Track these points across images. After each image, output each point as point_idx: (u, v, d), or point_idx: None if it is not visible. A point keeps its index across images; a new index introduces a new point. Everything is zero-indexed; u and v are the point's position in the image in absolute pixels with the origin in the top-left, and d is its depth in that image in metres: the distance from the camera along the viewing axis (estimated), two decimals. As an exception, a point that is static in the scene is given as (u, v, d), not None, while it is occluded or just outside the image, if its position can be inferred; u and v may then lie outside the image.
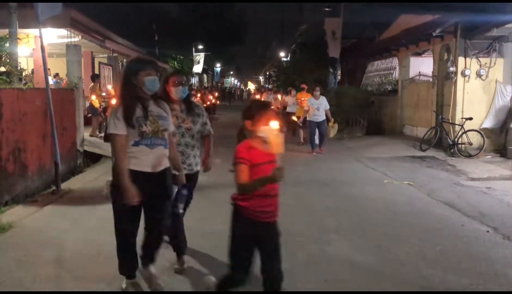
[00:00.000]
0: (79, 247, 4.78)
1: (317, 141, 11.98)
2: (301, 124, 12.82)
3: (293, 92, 15.52)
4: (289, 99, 15.62)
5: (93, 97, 11.24)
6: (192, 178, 4.15)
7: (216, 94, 30.65)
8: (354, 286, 3.94)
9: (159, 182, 3.52)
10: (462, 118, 11.33)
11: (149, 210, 3.58)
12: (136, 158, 3.40)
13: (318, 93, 11.82)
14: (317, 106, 11.66)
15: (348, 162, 10.54)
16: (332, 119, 12.09)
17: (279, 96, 18.49)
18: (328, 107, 11.83)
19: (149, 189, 3.42)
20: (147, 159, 3.41)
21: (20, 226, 5.41)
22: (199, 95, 19.12)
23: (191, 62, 34.96)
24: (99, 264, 4.32)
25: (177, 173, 3.77)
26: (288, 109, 15.25)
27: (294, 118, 13.17)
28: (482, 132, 11.07)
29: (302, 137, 13.46)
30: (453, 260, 4.52)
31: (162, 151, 3.48)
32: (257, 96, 25.60)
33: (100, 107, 12.33)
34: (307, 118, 11.92)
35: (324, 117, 11.69)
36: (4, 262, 4.36)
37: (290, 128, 15.53)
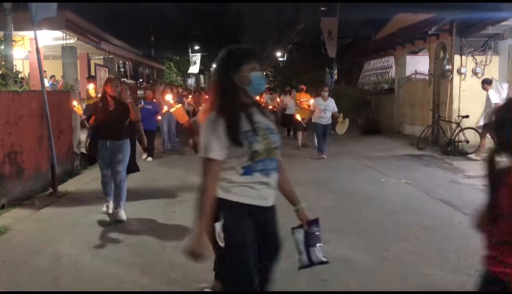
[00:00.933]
0: (76, 249, 4.77)
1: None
2: (304, 125, 12.25)
3: (293, 92, 14.55)
4: (288, 100, 14.86)
5: (75, 103, 8.45)
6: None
7: None
8: (352, 286, 3.94)
9: (272, 222, 2.58)
10: (458, 116, 11.36)
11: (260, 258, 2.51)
12: (251, 187, 2.39)
13: (326, 93, 10.87)
14: (324, 108, 10.72)
15: (345, 161, 10.55)
16: (341, 114, 11.04)
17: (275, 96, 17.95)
18: (336, 109, 10.90)
19: (264, 230, 2.51)
20: (263, 190, 2.42)
21: (17, 229, 5.40)
22: (190, 97, 17.00)
23: (188, 63, 34.92)
24: (96, 266, 4.30)
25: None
26: (288, 111, 14.64)
27: (298, 117, 12.38)
28: (479, 130, 11.10)
29: (301, 141, 12.78)
30: (451, 258, 4.52)
31: (275, 177, 2.51)
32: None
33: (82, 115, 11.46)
34: (312, 120, 11.04)
35: (330, 120, 10.83)
36: (1, 265, 4.34)
37: (288, 129, 15.21)
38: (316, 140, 11.37)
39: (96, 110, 5.79)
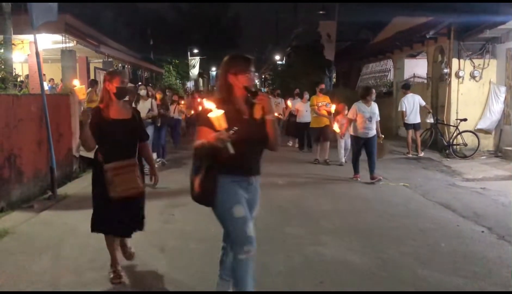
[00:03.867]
0: (76, 252, 4.78)
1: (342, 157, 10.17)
2: (342, 136, 9.76)
3: (306, 95, 12.12)
4: (300, 105, 12.27)
5: (76, 82, 6.88)
6: None
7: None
8: (350, 288, 3.95)
9: None
10: (456, 119, 11.40)
11: None
12: None
13: (373, 96, 8.37)
14: (369, 116, 8.20)
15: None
16: (382, 136, 8.69)
17: (282, 101, 15.08)
18: (379, 118, 8.50)
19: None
20: None
21: (16, 232, 5.41)
22: (182, 102, 15.73)
23: (187, 66, 34.98)
24: (96, 269, 4.32)
25: None
26: (301, 119, 12.12)
27: (336, 128, 9.77)
28: (477, 133, 11.14)
29: (325, 156, 10.53)
30: (448, 261, 4.55)
31: None
32: None
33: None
34: (352, 132, 8.55)
35: (375, 132, 8.36)
36: (1, 268, 4.36)
37: (300, 141, 13.01)
38: (339, 154, 10.15)
39: (97, 120, 3.86)
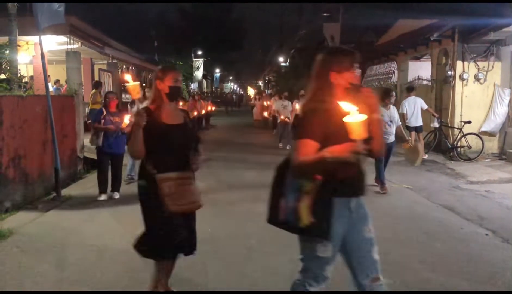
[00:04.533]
0: (80, 253, 4.79)
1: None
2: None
3: None
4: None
5: (128, 77, 6.59)
6: None
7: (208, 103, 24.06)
8: (353, 289, 3.94)
9: None
10: (461, 121, 11.37)
11: None
12: None
13: (393, 99, 7.85)
14: (388, 120, 7.61)
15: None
16: (410, 138, 8.17)
17: (289, 104, 14.14)
18: (400, 122, 8.03)
19: None
20: None
21: (21, 233, 5.43)
22: (181, 103, 14.97)
23: (190, 68, 35.07)
24: (100, 270, 4.33)
25: None
26: None
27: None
28: (481, 136, 11.11)
29: None
30: (453, 264, 4.54)
31: None
32: (257, 102, 25.23)
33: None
34: None
35: (394, 138, 7.89)
36: (5, 268, 4.38)
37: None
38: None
39: (148, 124, 3.21)
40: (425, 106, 11.28)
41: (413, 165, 8.29)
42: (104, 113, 6.99)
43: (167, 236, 3.34)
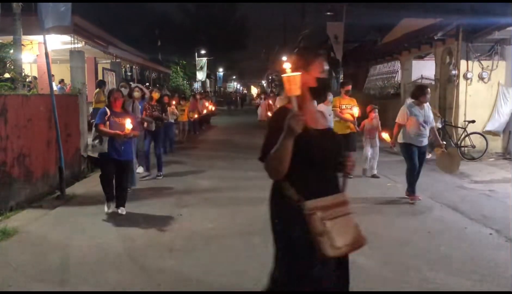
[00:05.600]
0: (84, 251, 4.81)
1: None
2: (393, 146, 7.64)
3: (330, 97, 8.63)
4: (323, 108, 9.87)
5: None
6: None
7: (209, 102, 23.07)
8: (356, 289, 3.94)
9: None
10: (464, 121, 11.35)
11: None
12: None
13: (428, 97, 7.00)
14: (423, 120, 6.83)
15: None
16: (444, 142, 7.73)
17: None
18: (434, 123, 7.23)
19: None
20: None
21: (25, 231, 5.45)
22: (174, 102, 13.49)
23: (194, 67, 35.11)
24: (104, 268, 4.34)
25: None
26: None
27: (386, 136, 7.71)
28: (485, 135, 11.08)
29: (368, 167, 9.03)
30: (456, 263, 4.53)
31: None
32: (260, 100, 25.07)
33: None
34: (402, 140, 7.07)
35: (427, 141, 7.19)
36: (10, 266, 4.40)
37: None
38: (364, 164, 8.89)
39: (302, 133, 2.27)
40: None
41: (451, 173, 7.44)
42: (108, 113, 6.06)
43: (308, 272, 2.41)
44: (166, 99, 10.38)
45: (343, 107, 8.77)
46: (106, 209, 6.21)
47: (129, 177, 6.64)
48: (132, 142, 6.52)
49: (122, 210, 6.19)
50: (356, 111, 8.75)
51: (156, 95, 9.25)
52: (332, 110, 8.63)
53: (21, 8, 8.01)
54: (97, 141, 6.05)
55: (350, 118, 8.71)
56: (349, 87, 9.13)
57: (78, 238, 5.23)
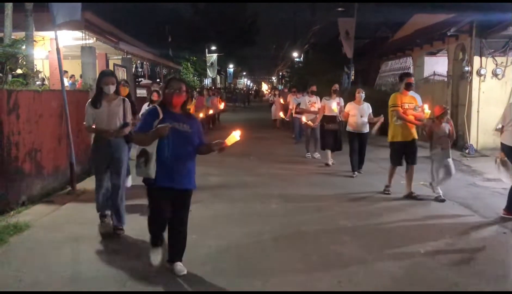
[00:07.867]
0: (95, 246, 4.83)
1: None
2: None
3: (360, 94, 8.80)
4: (353, 108, 8.93)
5: None
6: None
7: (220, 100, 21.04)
8: (367, 288, 3.91)
9: None
10: (477, 117, 11.21)
11: None
12: None
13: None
14: None
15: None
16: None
17: (318, 100, 11.05)
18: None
19: None
20: None
21: (37, 226, 5.49)
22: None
23: (204, 63, 35.11)
24: (115, 264, 4.35)
25: None
26: (354, 128, 8.94)
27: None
28: (498, 132, 10.94)
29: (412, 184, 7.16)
30: (469, 261, 4.47)
31: None
32: (273, 97, 24.64)
33: None
34: (507, 142, 6.06)
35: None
36: (21, 261, 4.43)
37: (351, 160, 9.01)
38: (433, 180, 6.93)
39: None
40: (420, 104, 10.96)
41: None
42: (161, 115, 3.93)
43: None
44: (155, 96, 8.25)
45: (406, 106, 6.95)
46: (152, 259, 4.12)
47: (187, 215, 4.20)
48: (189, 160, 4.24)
49: (180, 269, 4.04)
50: (426, 109, 6.97)
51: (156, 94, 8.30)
52: (392, 109, 7.01)
53: (32, 4, 8.06)
54: (142, 159, 3.93)
55: (415, 121, 6.95)
56: (411, 79, 7.14)
57: (89, 233, 5.24)
